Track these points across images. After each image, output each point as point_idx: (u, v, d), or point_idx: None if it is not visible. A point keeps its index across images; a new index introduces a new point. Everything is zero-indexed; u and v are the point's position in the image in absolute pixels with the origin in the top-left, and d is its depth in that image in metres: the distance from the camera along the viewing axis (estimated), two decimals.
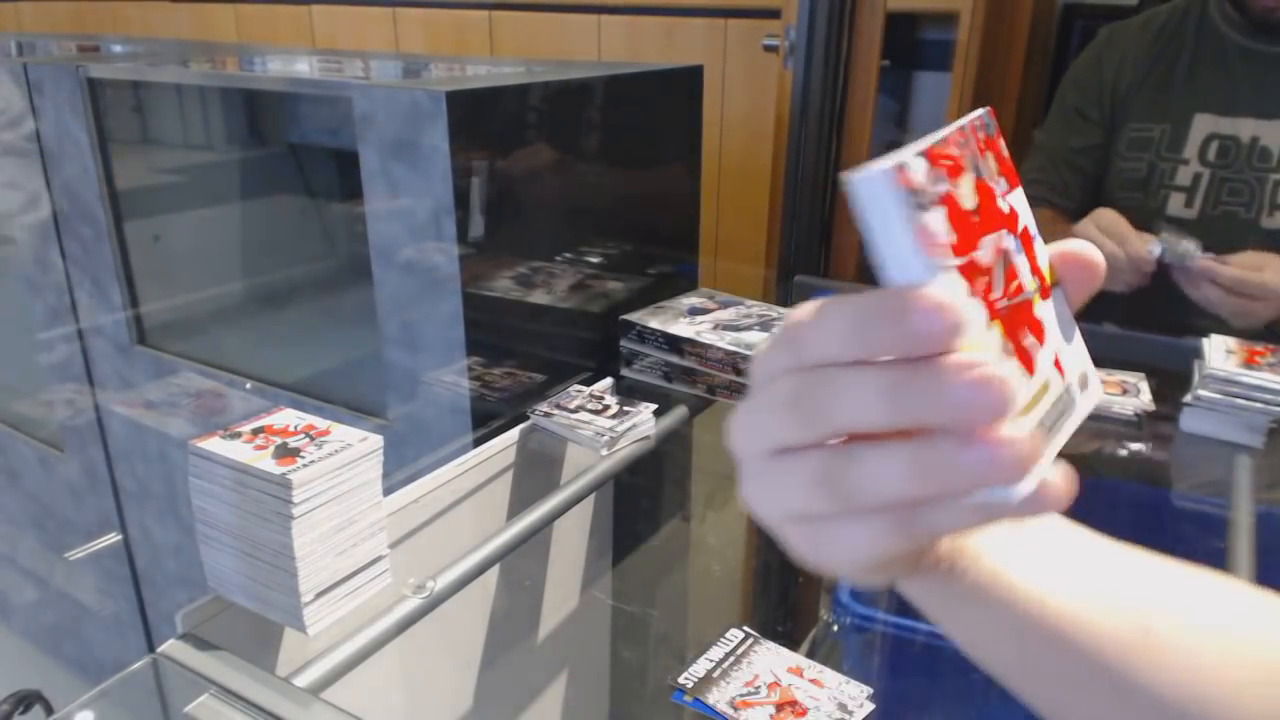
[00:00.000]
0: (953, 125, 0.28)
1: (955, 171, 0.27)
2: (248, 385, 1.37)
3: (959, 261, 0.26)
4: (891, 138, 1.94)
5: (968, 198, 0.27)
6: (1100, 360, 1.09)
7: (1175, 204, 1.24)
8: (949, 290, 0.26)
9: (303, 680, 0.67)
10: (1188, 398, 0.97)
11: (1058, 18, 1.84)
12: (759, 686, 0.73)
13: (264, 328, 1.68)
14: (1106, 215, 1.18)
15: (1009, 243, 0.29)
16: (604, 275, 1.22)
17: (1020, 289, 0.29)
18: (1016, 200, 0.29)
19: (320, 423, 0.70)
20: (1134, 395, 1.03)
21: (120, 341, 1.52)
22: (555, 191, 1.16)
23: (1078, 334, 0.31)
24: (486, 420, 1.06)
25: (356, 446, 0.67)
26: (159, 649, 0.65)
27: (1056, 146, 1.37)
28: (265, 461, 0.64)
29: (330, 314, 1.65)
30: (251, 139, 1.69)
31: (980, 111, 0.29)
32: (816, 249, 1.53)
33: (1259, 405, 0.94)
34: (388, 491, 0.72)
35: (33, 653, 2.14)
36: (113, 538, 1.71)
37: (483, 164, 1.03)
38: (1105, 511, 0.97)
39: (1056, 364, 0.30)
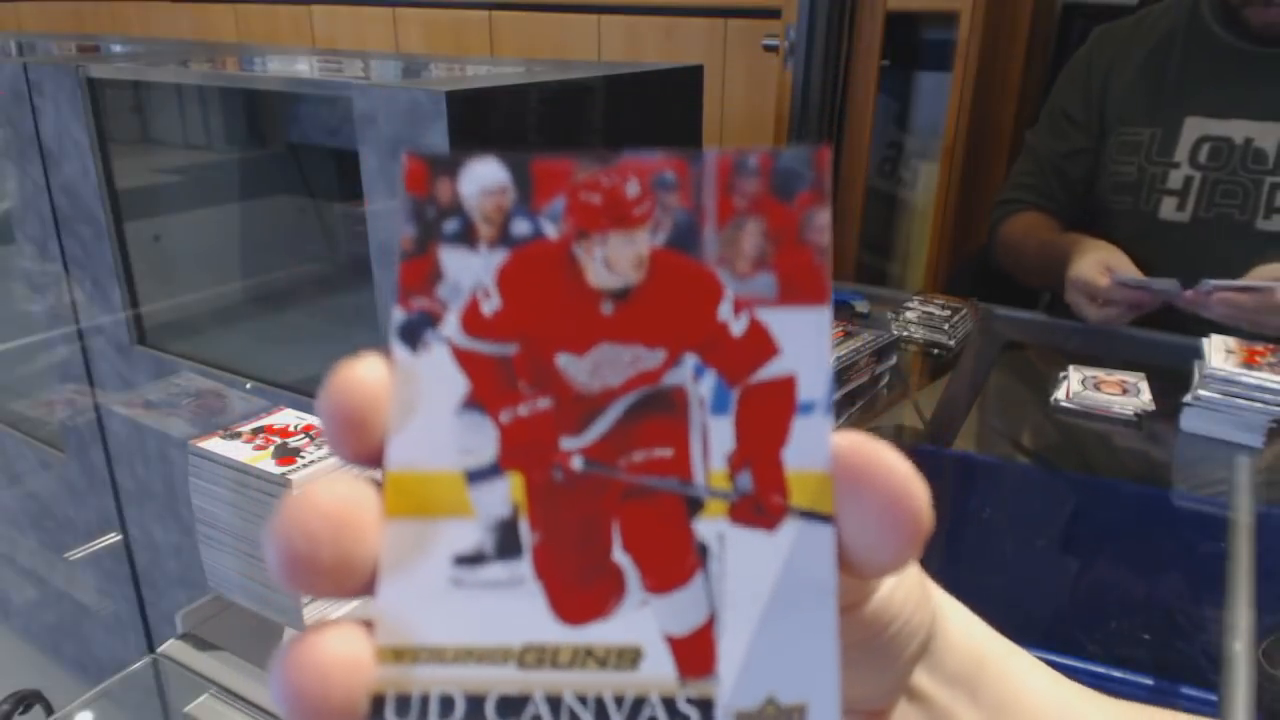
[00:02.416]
0: (701, 153, 0.17)
1: (593, 218, 0.17)
2: (248, 385, 1.37)
3: (472, 343, 0.17)
4: (892, 137, 1.94)
5: (597, 264, 0.17)
6: (1100, 360, 1.09)
7: (1168, 208, 1.23)
8: (423, 374, 0.17)
9: None
10: (1188, 398, 0.97)
11: (1058, 18, 1.84)
12: None
13: (264, 328, 1.68)
14: (1081, 272, 1.16)
15: (693, 383, 0.17)
16: None
17: (663, 467, 0.16)
18: (792, 328, 0.16)
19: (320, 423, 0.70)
20: (1134, 395, 1.03)
21: (120, 341, 1.52)
22: None
23: (828, 632, 0.16)
24: None
25: None
26: (159, 649, 0.65)
27: (1044, 151, 1.37)
28: (265, 461, 0.64)
29: (330, 314, 1.65)
30: (251, 139, 1.69)
31: (792, 151, 0.17)
32: None
33: (1259, 405, 0.94)
34: None
35: (33, 653, 2.14)
36: (113, 538, 1.71)
37: None
38: (1105, 511, 0.97)
39: (689, 646, 0.16)
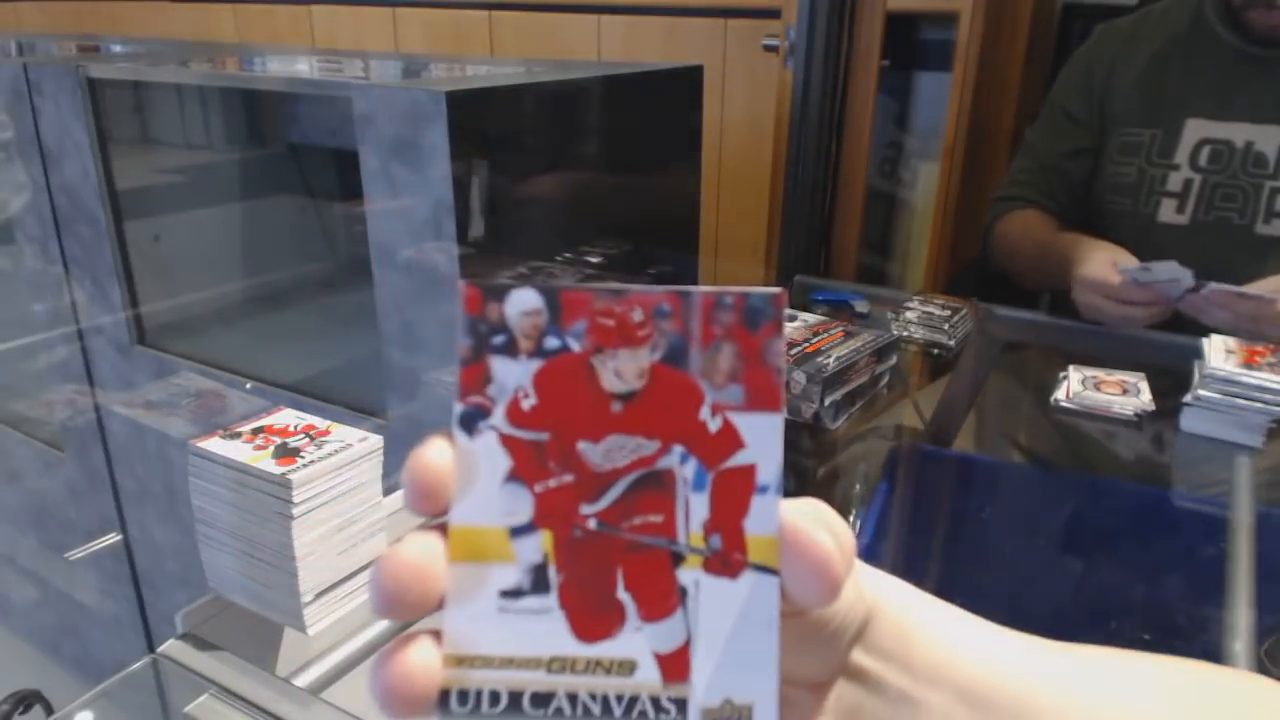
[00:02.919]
0: (690, 291, 0.22)
1: (607, 337, 0.22)
2: (248, 385, 1.37)
3: (514, 431, 0.22)
4: (892, 137, 1.94)
5: (609, 373, 0.22)
6: (1101, 360, 1.08)
7: (1166, 210, 1.22)
8: (477, 454, 0.22)
9: (303, 680, 0.67)
10: (1188, 398, 0.97)
11: (1058, 18, 1.84)
12: None
13: (264, 328, 1.68)
14: (1088, 273, 1.14)
15: (679, 466, 0.22)
16: (604, 275, 1.22)
17: (655, 529, 0.22)
18: (754, 428, 0.22)
19: (320, 423, 0.70)
20: (1134, 395, 1.03)
21: (120, 341, 1.52)
22: (555, 191, 1.16)
23: (771, 654, 0.22)
24: None
25: (356, 446, 0.67)
26: (159, 649, 0.65)
27: (1044, 149, 1.36)
28: (265, 461, 0.64)
29: (330, 314, 1.65)
30: (251, 139, 1.69)
31: (758, 292, 0.22)
32: (816, 249, 1.53)
33: (1259, 405, 0.94)
34: (388, 492, 0.72)
35: (33, 653, 2.14)
36: (113, 538, 1.71)
37: (483, 163, 1.03)
38: (1105, 511, 0.97)
39: (672, 660, 0.22)
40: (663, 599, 0.22)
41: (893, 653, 0.27)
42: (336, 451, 0.66)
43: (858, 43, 1.44)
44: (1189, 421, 0.97)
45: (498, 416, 0.22)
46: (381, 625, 0.72)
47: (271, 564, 0.65)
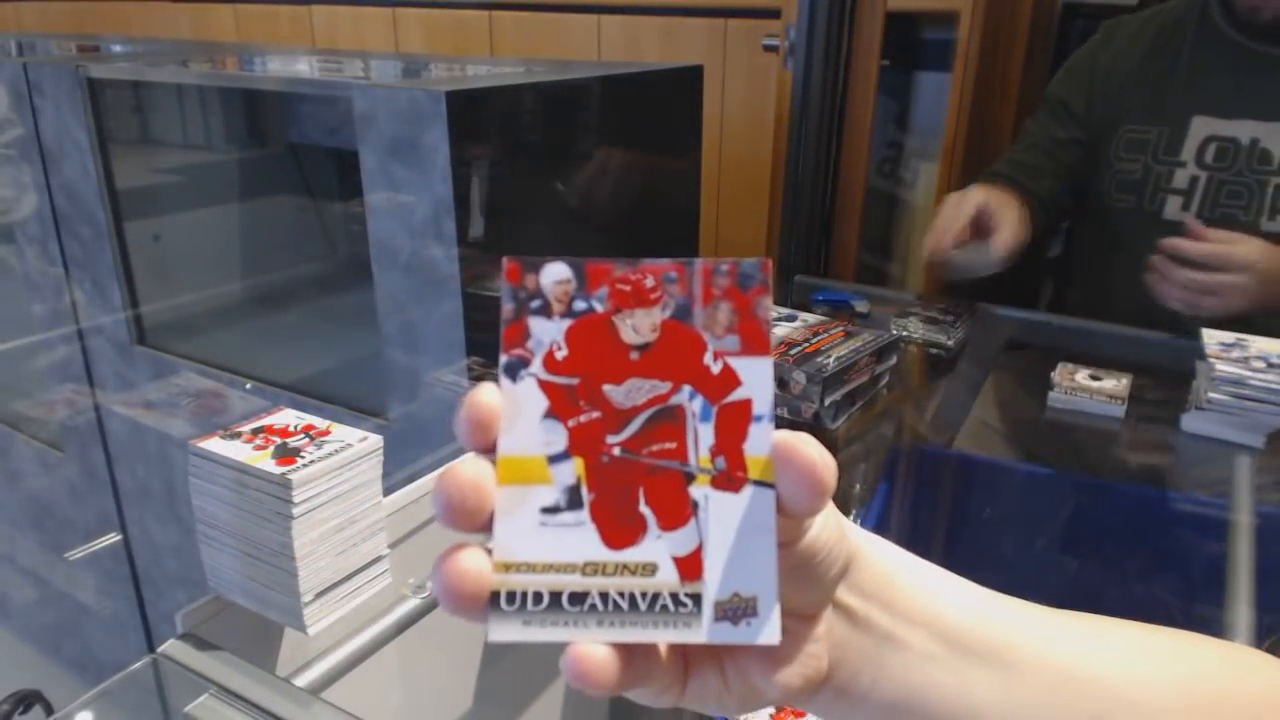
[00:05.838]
0: (692, 261, 0.27)
1: (625, 300, 0.26)
2: (248, 385, 1.37)
3: (550, 377, 0.26)
4: (891, 137, 1.94)
5: (628, 328, 0.26)
6: (1101, 360, 1.08)
7: (1172, 207, 1.22)
8: (520, 396, 0.26)
9: (303, 680, 0.67)
10: (1190, 398, 0.97)
11: (1058, 17, 1.84)
12: None
13: (264, 328, 1.68)
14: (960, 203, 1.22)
15: (689, 402, 0.26)
16: None
17: (670, 454, 0.26)
18: (748, 369, 0.26)
19: (320, 423, 0.70)
20: (1133, 395, 1.03)
21: (120, 341, 1.52)
22: (555, 191, 1.16)
23: (770, 554, 0.26)
24: None
25: (356, 446, 0.67)
26: (159, 649, 0.65)
27: (1039, 133, 1.35)
28: (265, 461, 0.64)
29: (330, 314, 1.65)
30: (251, 139, 1.69)
31: (748, 260, 0.27)
32: (816, 249, 1.53)
33: (1260, 405, 0.94)
34: (388, 491, 0.72)
35: (33, 653, 2.14)
36: (113, 538, 1.71)
37: (483, 163, 1.03)
38: (1105, 511, 0.97)
39: (687, 562, 0.26)
40: (678, 511, 0.26)
41: (875, 593, 0.30)
42: (336, 451, 0.66)
43: (858, 43, 1.44)
44: (1190, 422, 0.97)
45: (536, 365, 0.26)
46: (381, 624, 0.72)
47: (271, 564, 0.65)
